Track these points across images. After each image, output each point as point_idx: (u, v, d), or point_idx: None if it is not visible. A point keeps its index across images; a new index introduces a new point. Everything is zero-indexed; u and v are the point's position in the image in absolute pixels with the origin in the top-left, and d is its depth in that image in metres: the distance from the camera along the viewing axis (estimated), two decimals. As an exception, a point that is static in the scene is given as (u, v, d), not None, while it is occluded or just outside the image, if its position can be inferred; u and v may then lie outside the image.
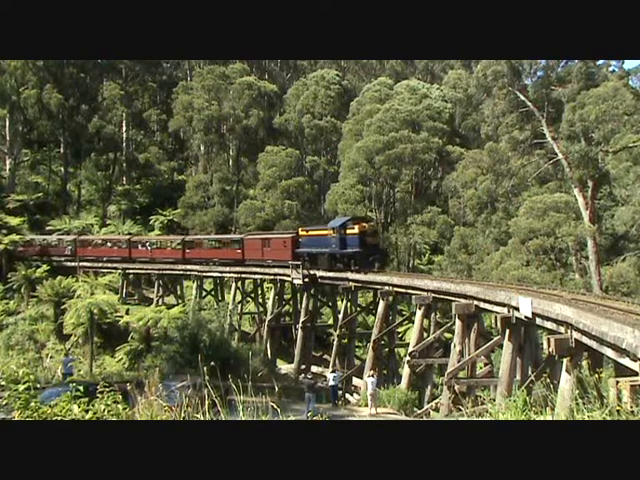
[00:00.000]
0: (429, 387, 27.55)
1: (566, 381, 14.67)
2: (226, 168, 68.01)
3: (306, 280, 36.76)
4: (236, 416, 6.28)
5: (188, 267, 48.92)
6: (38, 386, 7.78)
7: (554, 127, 40.06)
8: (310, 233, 38.33)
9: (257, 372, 32.51)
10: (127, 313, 45.60)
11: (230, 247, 46.52)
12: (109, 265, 52.61)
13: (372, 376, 24.24)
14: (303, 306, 38.56)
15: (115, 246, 53.48)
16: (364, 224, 34.43)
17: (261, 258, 42.44)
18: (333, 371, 28.05)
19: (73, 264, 51.11)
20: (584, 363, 13.31)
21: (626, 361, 12.15)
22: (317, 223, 57.99)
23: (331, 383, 25.47)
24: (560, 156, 39.24)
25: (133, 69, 72.08)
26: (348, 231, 34.29)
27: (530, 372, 19.34)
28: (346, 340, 36.27)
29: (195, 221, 61.31)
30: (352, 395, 32.37)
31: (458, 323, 22.73)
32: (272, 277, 42.79)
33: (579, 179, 38.27)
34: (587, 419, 6.09)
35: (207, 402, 6.64)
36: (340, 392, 29.27)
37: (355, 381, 33.60)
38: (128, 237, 54.52)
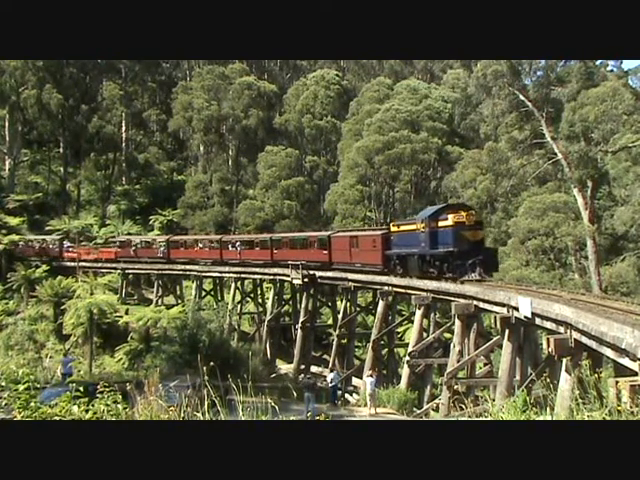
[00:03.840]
0: (429, 387, 27.57)
1: (566, 381, 14.68)
2: (226, 168, 68.06)
3: (305, 280, 36.75)
4: (236, 416, 6.28)
5: (188, 267, 48.82)
6: (38, 386, 7.78)
7: (553, 127, 40.07)
8: (401, 228, 30.25)
9: (259, 372, 32.54)
10: (127, 313, 45.62)
11: (316, 247, 38.45)
12: (108, 265, 52.48)
13: (371, 376, 24.27)
14: (302, 306, 38.55)
15: (206, 247, 48.86)
16: (462, 213, 25.85)
17: (349, 261, 34.56)
18: (331, 371, 28.10)
19: (73, 264, 51.03)
20: (584, 363, 13.30)
21: (625, 361, 12.16)
22: (316, 223, 58.08)
23: (331, 382, 25.52)
24: (559, 156, 39.24)
25: (133, 69, 72.15)
26: (440, 223, 26.42)
27: (530, 372, 19.35)
28: (345, 340, 36.27)
29: (195, 221, 61.39)
30: (352, 395, 32.38)
31: (458, 323, 22.73)
32: (271, 277, 42.79)
33: (578, 179, 38.29)
34: (587, 419, 6.09)
35: (207, 402, 6.64)
36: (340, 392, 29.21)
37: (355, 381, 33.62)
38: (220, 237, 49.65)
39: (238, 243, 46.26)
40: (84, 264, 50.98)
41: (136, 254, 51.44)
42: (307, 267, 37.43)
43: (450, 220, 25.56)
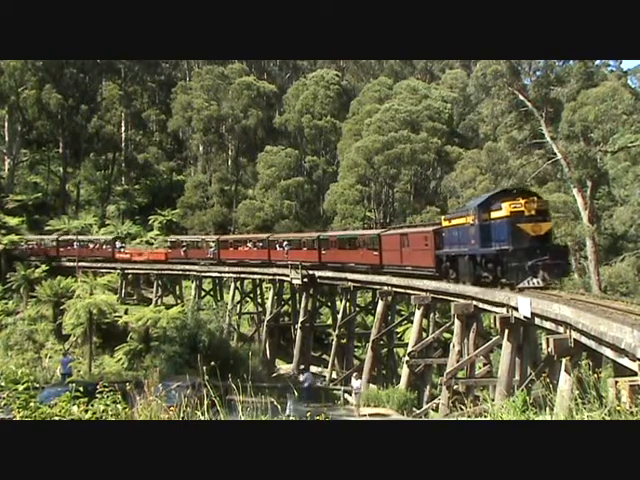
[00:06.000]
0: (428, 387, 27.56)
1: (565, 381, 14.69)
2: (225, 168, 68.08)
3: (305, 280, 36.74)
4: (236, 416, 6.28)
5: (188, 267, 48.71)
6: (37, 386, 7.78)
7: (553, 127, 40.09)
8: (452, 223, 24.61)
9: (259, 372, 32.54)
10: (126, 313, 45.53)
11: (366, 247, 34.07)
12: (108, 265, 52.34)
13: (358, 378, 24.74)
14: (302, 306, 38.53)
15: (255, 247, 45.40)
16: (520, 200, 20.18)
17: (399, 263, 29.95)
18: (306, 370, 28.44)
19: (72, 264, 50.94)
20: (583, 363, 13.33)
21: (625, 361, 12.16)
22: (316, 223, 58.07)
23: (304, 383, 26.01)
24: (559, 156, 39.25)
25: (132, 69, 72.12)
26: (493, 214, 21.10)
27: (529, 372, 19.36)
28: (345, 340, 36.29)
29: (194, 221, 61.41)
30: (351, 395, 32.39)
31: (457, 323, 22.74)
32: (271, 277, 42.76)
33: (578, 179, 38.30)
34: (586, 419, 6.10)
35: (206, 402, 6.64)
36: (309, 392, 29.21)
37: (353, 381, 33.65)
38: (267, 236, 46.23)
39: (285, 243, 42.67)
40: (82, 264, 50.89)
41: (186, 255, 49.90)
42: (357, 270, 34.33)
43: (504, 210, 20.24)
